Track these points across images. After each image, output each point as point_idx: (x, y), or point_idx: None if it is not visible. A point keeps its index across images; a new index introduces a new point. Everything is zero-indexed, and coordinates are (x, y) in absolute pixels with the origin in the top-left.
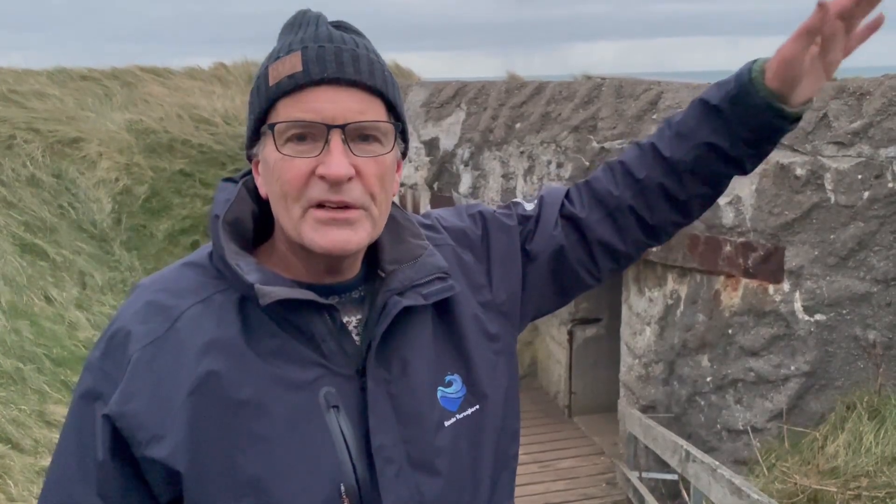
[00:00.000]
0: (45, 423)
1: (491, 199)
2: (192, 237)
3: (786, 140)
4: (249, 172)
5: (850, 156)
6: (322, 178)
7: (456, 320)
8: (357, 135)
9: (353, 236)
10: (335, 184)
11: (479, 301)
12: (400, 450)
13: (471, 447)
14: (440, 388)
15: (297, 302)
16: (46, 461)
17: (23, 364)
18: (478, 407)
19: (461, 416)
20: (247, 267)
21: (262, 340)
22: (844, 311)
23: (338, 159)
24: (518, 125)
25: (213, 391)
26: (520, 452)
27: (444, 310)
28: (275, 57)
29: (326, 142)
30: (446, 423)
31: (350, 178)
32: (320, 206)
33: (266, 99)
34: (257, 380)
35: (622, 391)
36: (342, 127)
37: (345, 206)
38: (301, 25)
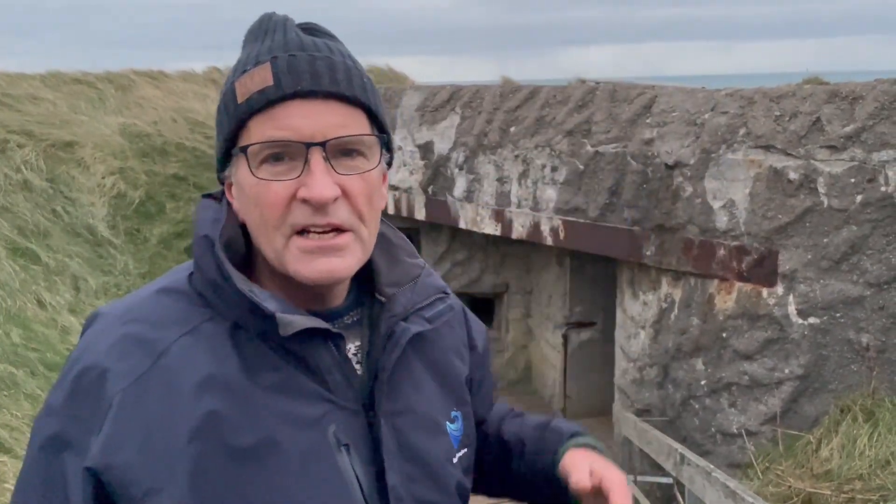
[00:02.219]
0: None
1: (486, 202)
2: (186, 241)
3: (779, 144)
4: None
5: (843, 160)
6: (305, 201)
7: (445, 351)
8: (339, 150)
9: (341, 263)
10: (320, 206)
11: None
12: (407, 488)
13: (465, 489)
14: (447, 423)
15: (308, 331)
16: None
17: (15, 369)
18: (466, 451)
19: (460, 454)
20: (261, 294)
21: (264, 374)
22: (838, 315)
23: (321, 180)
24: (512, 129)
25: (215, 435)
26: None
27: (437, 336)
28: (241, 70)
29: (306, 161)
30: (453, 460)
31: (335, 199)
32: (304, 231)
33: (235, 118)
34: (263, 419)
35: (617, 395)
36: (322, 144)
37: (333, 230)
38: (267, 32)
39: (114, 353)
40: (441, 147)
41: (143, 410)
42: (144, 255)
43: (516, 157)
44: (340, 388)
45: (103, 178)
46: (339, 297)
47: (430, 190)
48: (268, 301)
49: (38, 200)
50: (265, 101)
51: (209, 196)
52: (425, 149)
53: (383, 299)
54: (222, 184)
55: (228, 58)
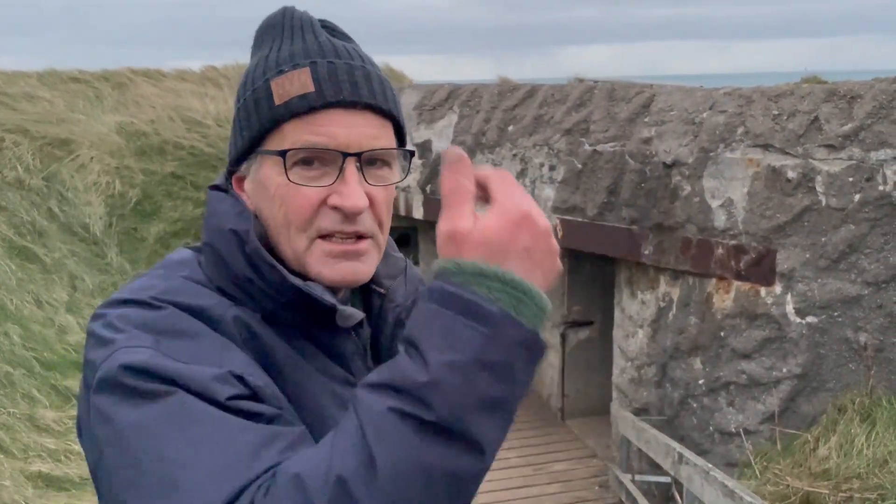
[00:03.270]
0: (35, 428)
1: None
2: (183, 240)
3: (777, 143)
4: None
5: (841, 159)
6: (335, 208)
7: None
8: (368, 161)
9: (364, 267)
10: (352, 216)
11: None
12: None
13: None
14: None
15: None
16: (36, 466)
17: (12, 368)
18: None
19: None
20: (316, 288)
21: (307, 358)
22: (836, 314)
23: (356, 191)
24: (510, 128)
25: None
26: (513, 455)
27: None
28: (276, 70)
29: (341, 170)
30: None
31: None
32: (327, 235)
33: (270, 119)
34: (319, 397)
35: (615, 394)
36: (358, 155)
37: (356, 237)
38: (294, 31)
39: (170, 320)
40: (439, 146)
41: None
42: (141, 254)
43: (514, 155)
44: (361, 374)
45: (100, 176)
46: (341, 291)
47: (427, 189)
48: (325, 294)
49: (35, 199)
50: (307, 107)
51: (217, 188)
52: (423, 147)
53: (382, 291)
54: (230, 176)
55: (226, 57)
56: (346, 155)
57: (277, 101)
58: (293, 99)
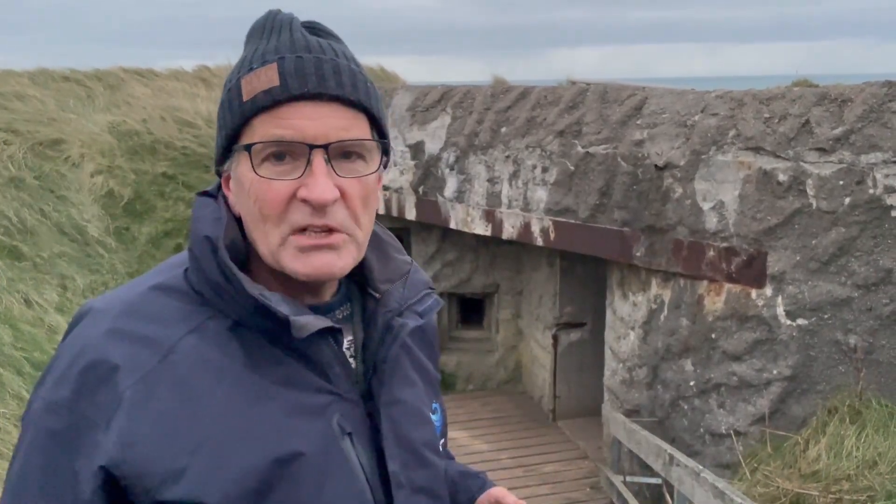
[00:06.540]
0: None
1: (476, 203)
2: (175, 240)
3: (768, 146)
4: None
5: (831, 162)
6: (304, 201)
7: (422, 346)
8: (340, 153)
9: (338, 261)
10: (319, 208)
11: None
12: (406, 475)
13: (446, 475)
14: (430, 413)
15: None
16: None
17: (2, 368)
18: (443, 440)
19: (441, 442)
20: (272, 297)
21: (270, 369)
22: (826, 316)
23: (322, 182)
24: (503, 129)
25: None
26: (505, 456)
27: (419, 330)
28: (247, 68)
29: (308, 162)
30: (439, 448)
31: (335, 201)
32: (301, 230)
33: (240, 115)
34: (276, 410)
35: (606, 395)
36: (325, 147)
37: (328, 230)
38: (273, 30)
39: (120, 349)
40: (432, 147)
41: (155, 404)
42: (133, 254)
43: (507, 157)
44: (340, 380)
45: (92, 176)
46: (330, 291)
47: (420, 190)
48: (280, 305)
49: (26, 199)
50: (271, 101)
51: (204, 193)
52: (416, 149)
53: (377, 295)
54: (219, 176)
55: (219, 56)
56: (312, 147)
57: (245, 97)
58: (259, 94)
